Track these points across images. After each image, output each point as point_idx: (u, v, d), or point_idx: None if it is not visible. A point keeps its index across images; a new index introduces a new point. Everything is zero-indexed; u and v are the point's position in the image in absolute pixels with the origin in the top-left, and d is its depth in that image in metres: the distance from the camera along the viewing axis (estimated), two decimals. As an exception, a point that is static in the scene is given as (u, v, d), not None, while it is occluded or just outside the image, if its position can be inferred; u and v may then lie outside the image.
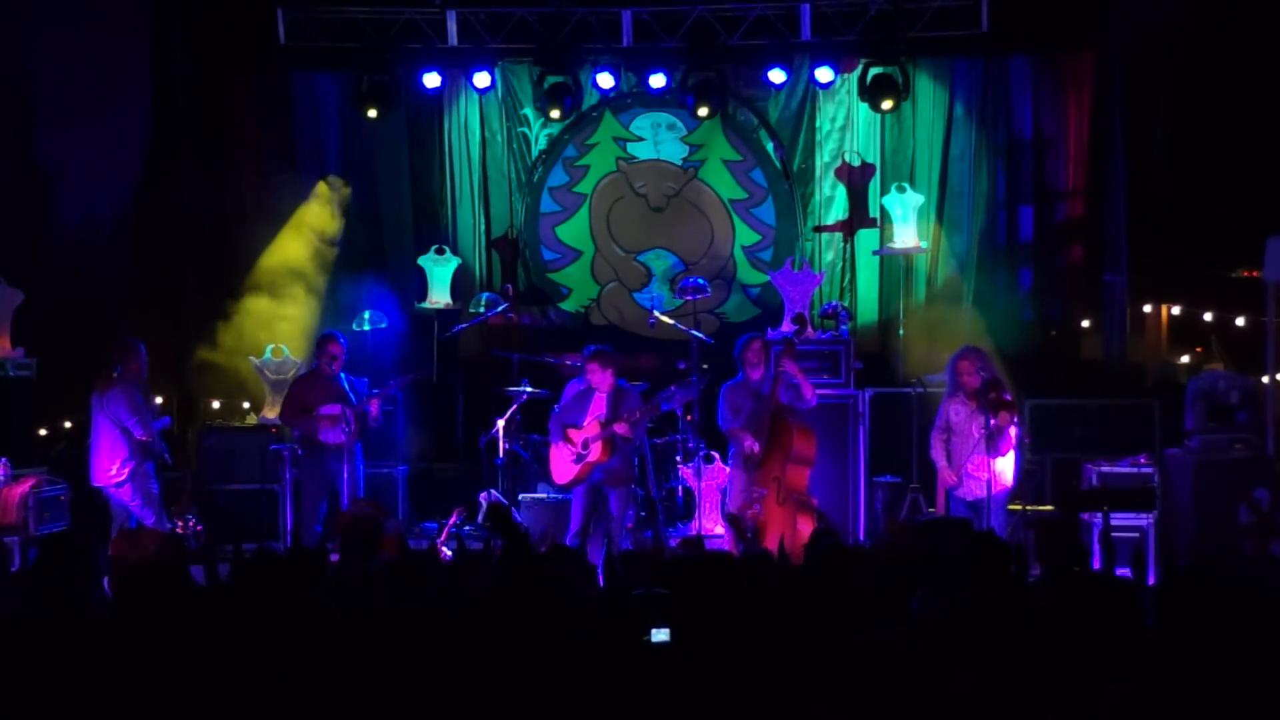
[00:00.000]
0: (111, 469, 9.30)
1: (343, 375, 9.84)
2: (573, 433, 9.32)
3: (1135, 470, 9.77)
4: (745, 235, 12.81)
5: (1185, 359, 11.69)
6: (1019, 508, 9.30)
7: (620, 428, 9.13)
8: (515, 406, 10.63)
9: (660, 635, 4.44)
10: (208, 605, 4.72)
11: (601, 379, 9.28)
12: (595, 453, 9.22)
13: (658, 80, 12.24)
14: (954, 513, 8.85)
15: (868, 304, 12.47)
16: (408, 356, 11.63)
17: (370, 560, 6.14)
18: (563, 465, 9.37)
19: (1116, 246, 11.97)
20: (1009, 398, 8.83)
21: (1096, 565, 8.47)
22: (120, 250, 11.99)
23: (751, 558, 5.78)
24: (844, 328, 11.16)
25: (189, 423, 11.60)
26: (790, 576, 5.61)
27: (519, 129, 12.81)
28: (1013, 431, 8.80)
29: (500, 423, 10.54)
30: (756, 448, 9.09)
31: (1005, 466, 8.84)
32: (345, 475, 9.67)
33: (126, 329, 11.59)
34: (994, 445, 8.69)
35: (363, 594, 5.42)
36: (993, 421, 8.68)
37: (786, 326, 10.75)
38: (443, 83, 12.42)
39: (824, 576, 5.22)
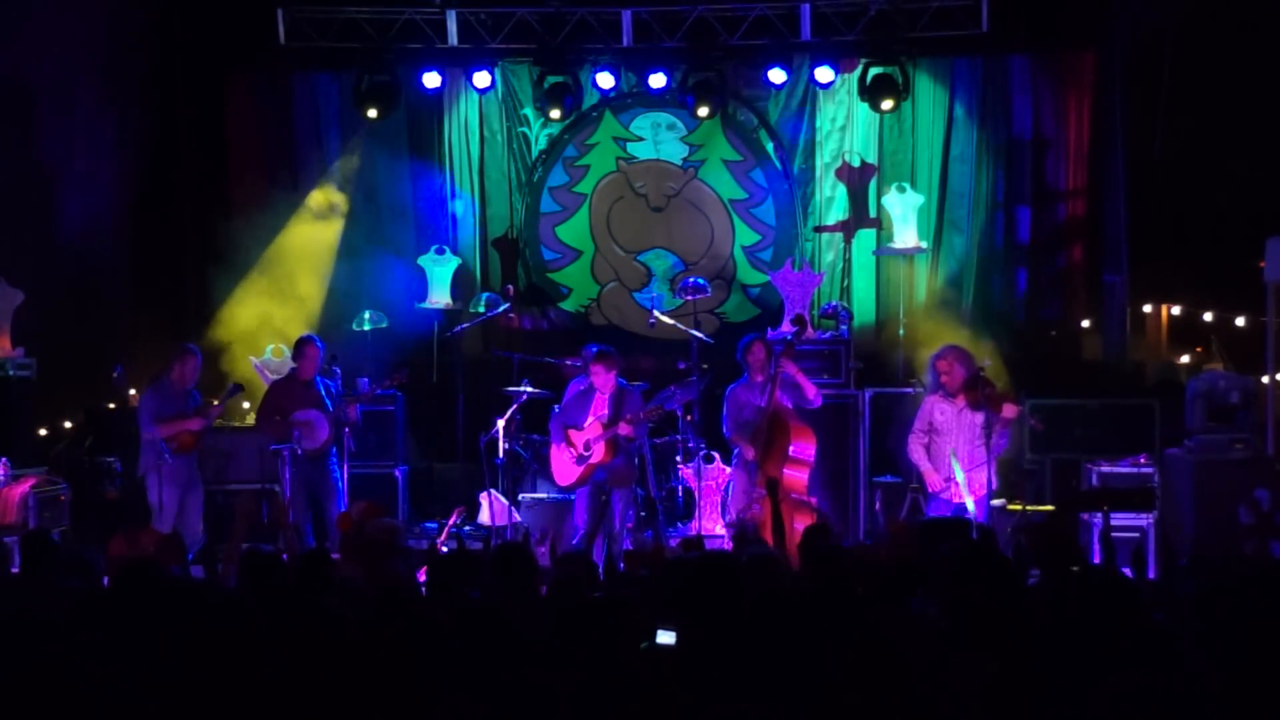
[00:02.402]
0: (140, 463, 9.54)
1: (319, 380, 9.82)
2: (574, 434, 9.29)
3: (1135, 470, 9.77)
4: (745, 235, 12.80)
5: (1185, 359, 11.68)
6: (1019, 507, 9.29)
7: (624, 428, 9.11)
8: (515, 406, 10.62)
9: (666, 637, 4.43)
10: (205, 605, 4.71)
11: (605, 380, 9.27)
12: (598, 454, 9.19)
13: (658, 80, 12.24)
14: (936, 515, 8.81)
15: (867, 304, 12.46)
16: (408, 356, 11.62)
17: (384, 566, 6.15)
18: (564, 467, 9.35)
19: (1116, 246, 11.97)
20: (998, 389, 8.81)
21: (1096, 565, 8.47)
22: (120, 250, 11.99)
23: (755, 558, 5.76)
24: (844, 328, 11.15)
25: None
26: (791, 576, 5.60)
27: (519, 129, 12.81)
28: (1010, 413, 8.73)
29: (500, 423, 10.53)
30: (750, 454, 9.07)
31: (990, 466, 8.84)
32: (327, 481, 9.66)
33: (126, 329, 11.63)
34: (992, 442, 8.67)
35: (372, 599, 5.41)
36: (994, 415, 8.64)
37: (786, 327, 10.74)
38: (443, 83, 12.42)
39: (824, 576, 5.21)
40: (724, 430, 9.46)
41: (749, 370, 9.34)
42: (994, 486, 8.89)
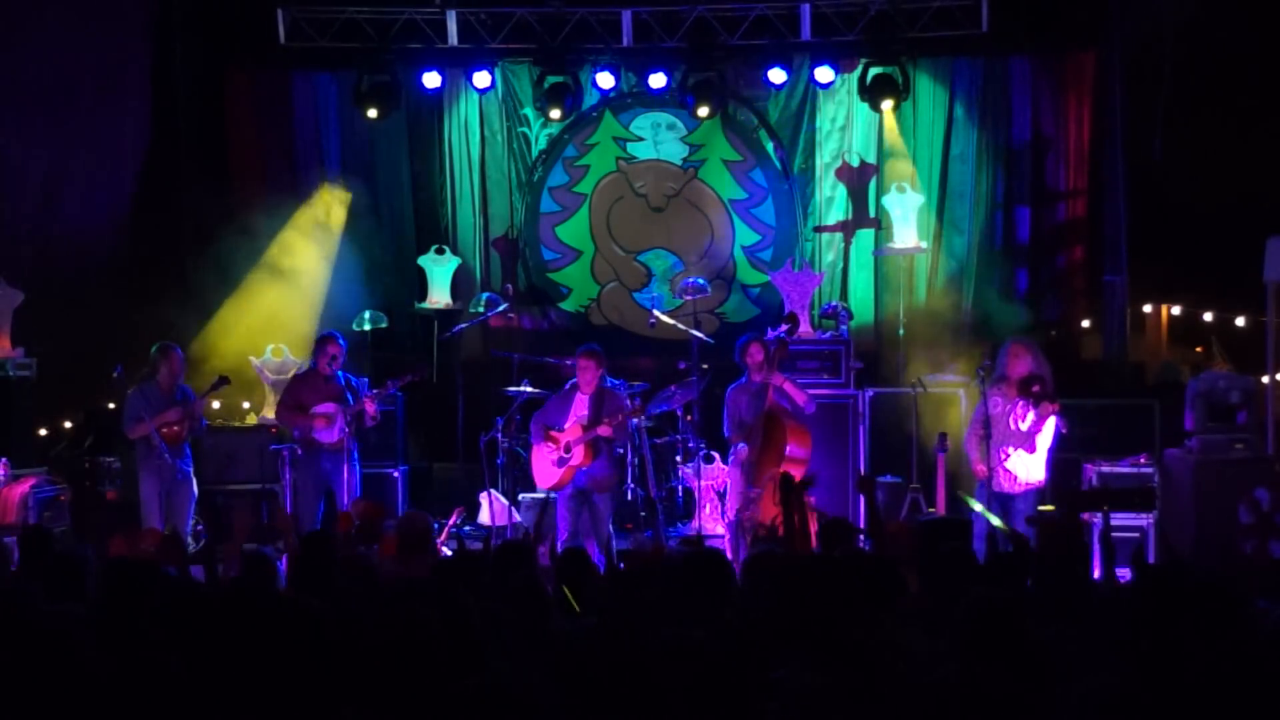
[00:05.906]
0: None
1: (341, 375, 9.83)
2: (554, 434, 9.14)
3: (1135, 470, 9.77)
4: (745, 235, 12.80)
5: (1185, 359, 11.68)
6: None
7: (604, 429, 8.92)
8: (515, 406, 10.63)
9: None
10: (199, 604, 4.69)
11: (588, 378, 9.10)
12: (578, 456, 8.97)
13: (658, 80, 12.25)
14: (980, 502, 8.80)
15: (867, 304, 12.46)
16: (407, 356, 11.62)
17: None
18: (544, 468, 9.13)
19: (1116, 246, 11.97)
20: (1050, 390, 8.84)
21: (1096, 566, 8.48)
22: (120, 250, 11.99)
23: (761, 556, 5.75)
24: (844, 328, 11.15)
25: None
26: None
27: (519, 129, 12.81)
28: (1051, 423, 8.79)
29: (500, 423, 10.53)
30: (745, 453, 9.04)
31: (1038, 462, 8.83)
32: (343, 476, 9.66)
33: (126, 329, 11.62)
34: (1028, 437, 8.72)
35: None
36: (1033, 413, 8.71)
37: (784, 327, 10.71)
38: (443, 83, 12.43)
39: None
40: (724, 431, 9.43)
41: (748, 371, 9.30)
42: (1044, 481, 8.89)
